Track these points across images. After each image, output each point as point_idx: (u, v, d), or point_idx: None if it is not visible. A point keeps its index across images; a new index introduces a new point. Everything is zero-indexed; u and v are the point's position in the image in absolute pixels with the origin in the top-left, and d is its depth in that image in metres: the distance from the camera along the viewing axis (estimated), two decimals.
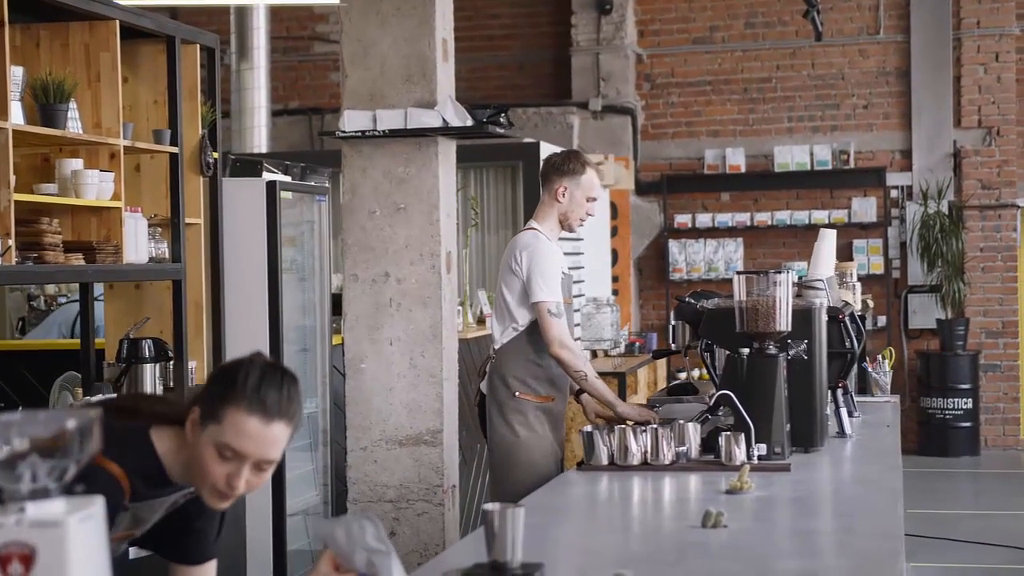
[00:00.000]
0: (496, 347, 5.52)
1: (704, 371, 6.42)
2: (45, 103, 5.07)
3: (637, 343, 11.19)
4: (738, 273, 4.67)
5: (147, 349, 5.65)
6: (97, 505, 1.88)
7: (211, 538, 3.09)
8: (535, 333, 5.37)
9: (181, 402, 2.94)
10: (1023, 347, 13.17)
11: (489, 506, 2.86)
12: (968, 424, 12.67)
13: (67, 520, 1.84)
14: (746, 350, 4.60)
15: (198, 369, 6.08)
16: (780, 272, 4.63)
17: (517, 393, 5.42)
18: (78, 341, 6.09)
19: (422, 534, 5.74)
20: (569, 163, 5.51)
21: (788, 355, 4.66)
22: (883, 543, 3.25)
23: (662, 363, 11.35)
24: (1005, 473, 12.05)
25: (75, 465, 1.87)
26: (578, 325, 10.13)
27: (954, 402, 12.63)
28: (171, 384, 5.82)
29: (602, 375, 9.20)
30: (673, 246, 13.37)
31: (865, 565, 3.07)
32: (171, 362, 5.81)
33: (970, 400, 12.66)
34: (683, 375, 11.05)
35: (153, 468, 2.83)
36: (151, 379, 5.63)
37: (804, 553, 3.31)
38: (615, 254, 12.85)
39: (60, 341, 7.42)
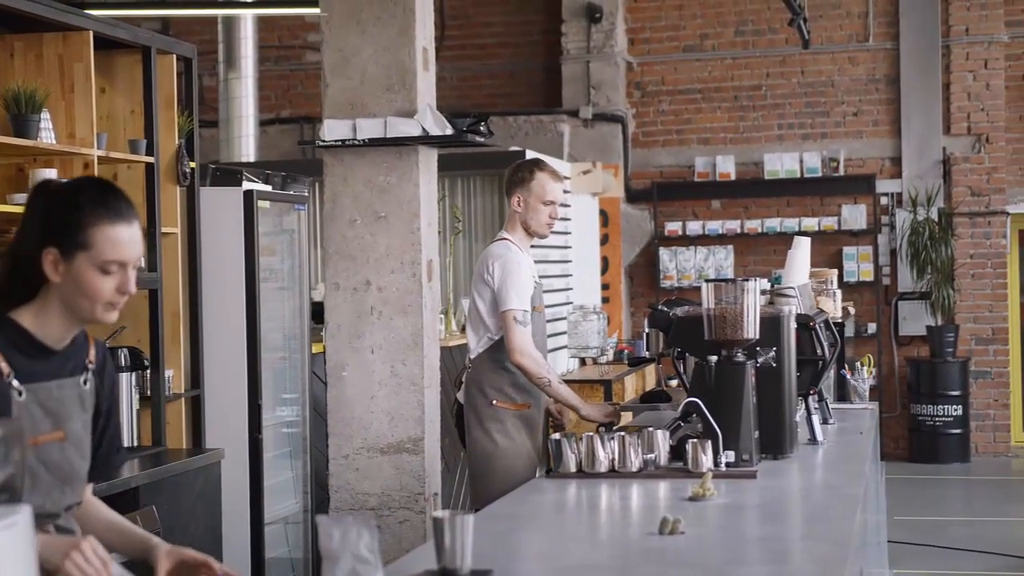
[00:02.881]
0: (472, 356, 5.55)
1: None
2: (17, 113, 5.09)
3: (626, 351, 11.16)
4: (706, 281, 4.68)
5: (123, 358, 5.66)
6: (22, 514, 1.89)
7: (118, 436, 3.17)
8: None
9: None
10: (1013, 354, 13.18)
11: (438, 514, 2.89)
12: (958, 431, 12.68)
13: None
14: (714, 357, 4.61)
15: (175, 378, 6.10)
16: (748, 280, 4.64)
17: (494, 401, 5.45)
18: None
19: (404, 542, 5.75)
20: (517, 173, 5.59)
21: (756, 362, 4.67)
22: (833, 549, 3.26)
23: (651, 370, 11.34)
24: (995, 480, 12.04)
25: None
26: (563, 334, 10.15)
27: (944, 409, 12.63)
28: (148, 393, 5.83)
29: (588, 383, 9.30)
30: (664, 254, 13.37)
31: (812, 571, 3.09)
32: (147, 371, 5.82)
33: (960, 407, 12.66)
34: (674, 383, 11.02)
35: (25, 340, 2.88)
36: (127, 388, 5.63)
37: (754, 559, 3.32)
38: (606, 262, 12.86)
39: None
